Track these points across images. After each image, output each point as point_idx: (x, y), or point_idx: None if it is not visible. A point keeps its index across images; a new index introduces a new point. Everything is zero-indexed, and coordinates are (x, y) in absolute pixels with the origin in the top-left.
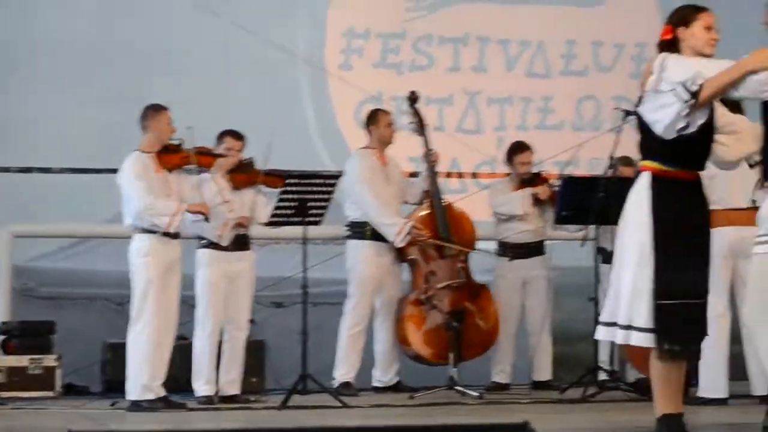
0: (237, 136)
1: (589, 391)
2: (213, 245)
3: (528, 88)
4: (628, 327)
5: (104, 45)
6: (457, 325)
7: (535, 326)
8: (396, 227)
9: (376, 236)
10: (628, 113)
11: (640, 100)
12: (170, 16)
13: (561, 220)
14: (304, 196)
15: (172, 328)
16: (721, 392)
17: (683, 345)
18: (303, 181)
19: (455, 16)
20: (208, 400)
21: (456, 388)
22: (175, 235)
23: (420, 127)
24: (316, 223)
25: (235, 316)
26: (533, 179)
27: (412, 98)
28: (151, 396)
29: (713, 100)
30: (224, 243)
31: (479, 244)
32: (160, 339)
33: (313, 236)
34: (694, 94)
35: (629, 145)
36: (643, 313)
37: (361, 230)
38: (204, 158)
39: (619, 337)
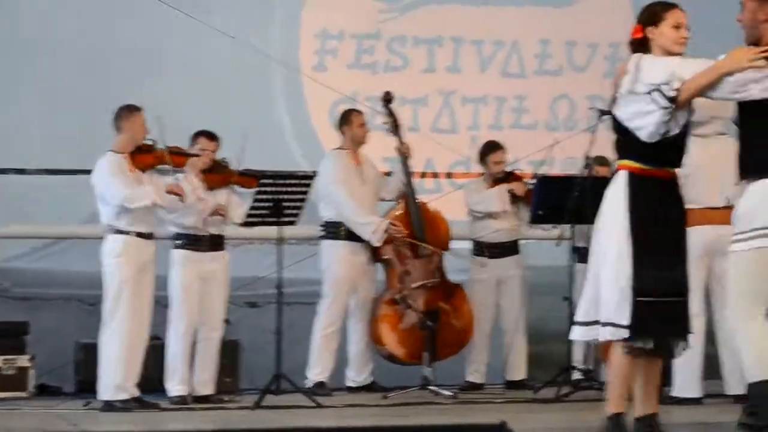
0: (211, 136)
1: (563, 390)
2: (187, 246)
3: (502, 88)
4: (611, 324)
5: (80, 47)
6: (432, 324)
7: (510, 326)
8: (372, 225)
9: (351, 236)
10: (603, 113)
11: (613, 100)
12: (145, 18)
13: (536, 219)
14: (279, 196)
15: (145, 329)
16: (696, 392)
17: (658, 342)
18: (277, 182)
19: (429, 17)
20: (181, 400)
21: (430, 387)
22: (148, 236)
23: (394, 127)
24: (291, 223)
25: (210, 317)
26: (507, 178)
27: (387, 99)
28: (124, 396)
29: (691, 101)
30: (202, 224)
31: (454, 244)
32: (134, 339)
33: (287, 236)
34: (673, 99)
35: (605, 144)
36: (623, 311)
37: (336, 230)
38: (177, 158)
39: (602, 334)
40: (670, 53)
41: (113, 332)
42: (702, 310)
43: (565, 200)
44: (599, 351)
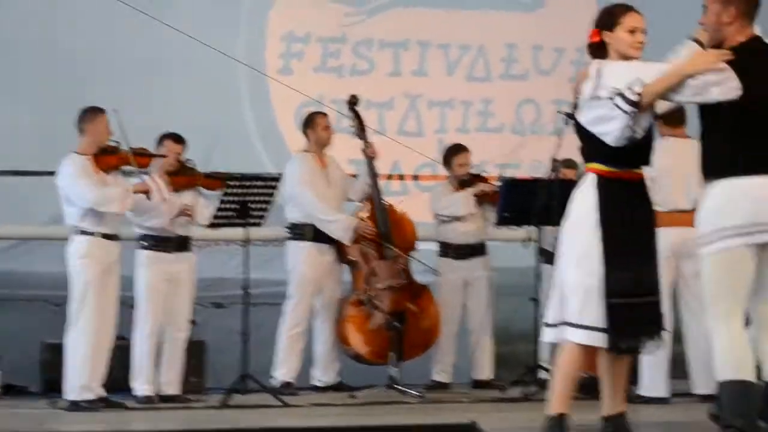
0: (177, 139)
1: (530, 389)
2: (153, 247)
3: (468, 91)
4: (580, 326)
5: (42, 48)
6: (399, 325)
7: (476, 326)
8: (342, 223)
9: (317, 237)
10: (569, 116)
11: (575, 105)
12: (109, 19)
13: (502, 221)
14: (246, 198)
15: (110, 329)
16: (663, 391)
17: (631, 343)
18: (244, 183)
19: (395, 20)
20: (148, 400)
21: (396, 387)
22: (114, 237)
23: (360, 129)
24: (258, 224)
25: (176, 318)
26: (472, 181)
27: (352, 101)
28: (90, 396)
29: (654, 103)
30: (169, 225)
31: (420, 245)
32: (99, 340)
33: (254, 238)
34: (635, 104)
35: (571, 147)
36: (592, 312)
37: (302, 232)
38: (142, 159)
39: (571, 335)
40: (627, 57)
41: (79, 332)
42: (669, 310)
43: (532, 202)
44: None
